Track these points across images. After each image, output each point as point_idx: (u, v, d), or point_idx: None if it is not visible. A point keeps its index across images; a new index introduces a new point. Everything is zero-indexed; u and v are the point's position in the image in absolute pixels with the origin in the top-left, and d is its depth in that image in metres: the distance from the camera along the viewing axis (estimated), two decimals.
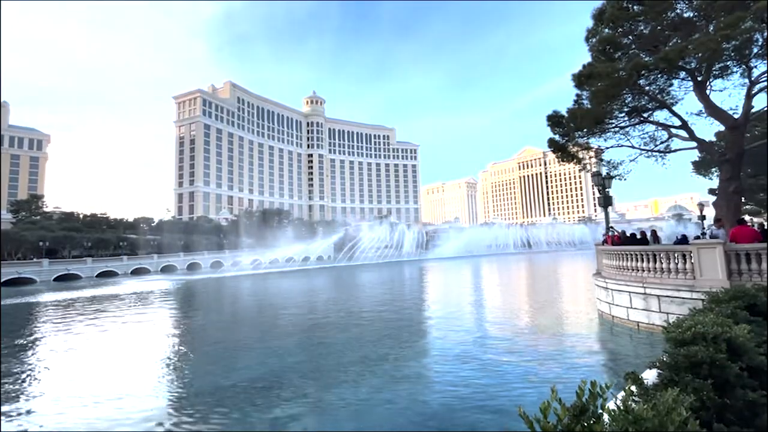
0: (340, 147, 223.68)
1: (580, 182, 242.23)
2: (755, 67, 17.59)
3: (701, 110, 19.69)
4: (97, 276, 71.35)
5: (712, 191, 36.66)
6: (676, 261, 14.02)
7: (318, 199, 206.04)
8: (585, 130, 20.92)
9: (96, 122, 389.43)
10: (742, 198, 24.33)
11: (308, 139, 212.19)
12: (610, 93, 18.57)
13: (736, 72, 18.28)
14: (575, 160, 23.14)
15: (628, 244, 17.48)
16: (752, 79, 17.66)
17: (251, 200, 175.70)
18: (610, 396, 2.22)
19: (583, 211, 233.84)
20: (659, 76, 18.37)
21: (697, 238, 16.20)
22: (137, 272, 77.75)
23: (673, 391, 2.22)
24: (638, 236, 18.44)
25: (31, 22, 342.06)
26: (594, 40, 19.86)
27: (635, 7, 18.54)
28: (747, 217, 31.33)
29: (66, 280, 65.61)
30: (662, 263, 14.46)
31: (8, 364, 14.60)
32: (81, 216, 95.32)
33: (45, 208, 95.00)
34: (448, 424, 8.33)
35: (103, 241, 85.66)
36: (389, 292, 34.10)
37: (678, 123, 19.77)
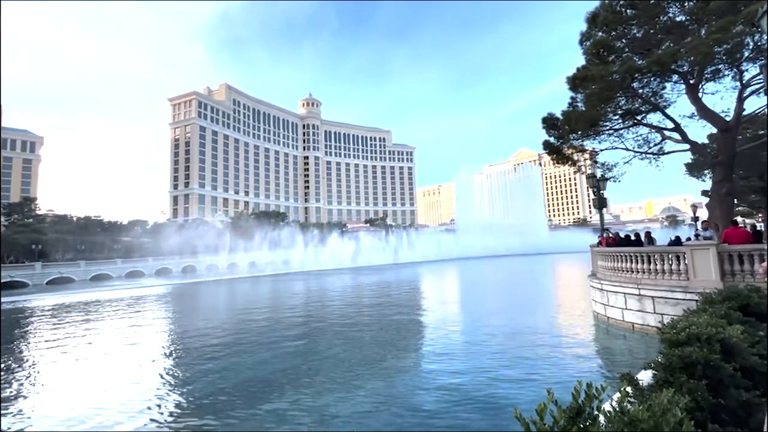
0: (336, 149, 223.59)
1: (575, 184, 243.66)
2: (746, 70, 17.80)
3: (694, 113, 19.92)
4: (90, 279, 70.64)
5: (705, 193, 37.03)
6: (670, 262, 14.13)
7: (314, 201, 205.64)
8: (579, 132, 21.07)
9: (91, 124, 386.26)
10: (735, 200, 24.58)
11: (304, 141, 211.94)
12: (603, 96, 18.73)
13: (728, 75, 18.48)
14: (570, 162, 23.28)
15: (623, 246, 17.60)
16: (743, 82, 17.87)
17: (247, 202, 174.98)
18: (606, 397, 2.22)
19: (578, 213, 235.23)
20: (652, 79, 18.54)
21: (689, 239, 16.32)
22: (132, 275, 77.10)
23: (668, 391, 2.23)
24: (632, 238, 18.59)
25: (25, 22, 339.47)
26: (588, 43, 20.03)
27: (628, 11, 18.73)
28: (739, 219, 31.67)
29: (59, 283, 64.92)
30: (656, 264, 14.57)
31: (6, 365, 14.41)
32: (74, 218, 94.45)
33: (38, 210, 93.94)
34: (444, 425, 8.31)
35: (96, 243, 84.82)
36: (383, 294, 34.05)
37: (671, 125, 19.98)
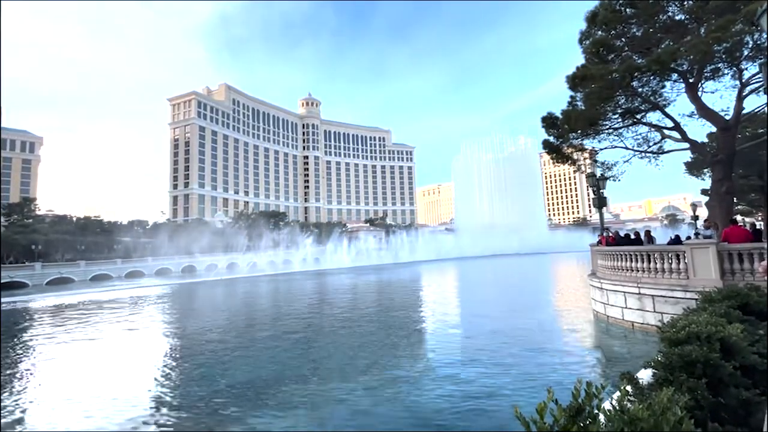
0: (335, 149, 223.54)
1: (575, 183, 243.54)
2: (746, 69, 17.80)
3: (693, 112, 19.91)
4: (90, 279, 70.62)
5: (704, 192, 37.06)
6: (670, 261, 14.13)
7: (314, 201, 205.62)
8: (579, 131, 21.07)
9: (90, 124, 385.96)
10: (734, 198, 24.58)
11: (304, 140, 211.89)
12: (603, 95, 18.73)
13: (727, 74, 18.48)
14: (570, 162, 23.28)
15: (623, 245, 17.60)
16: (743, 80, 17.87)
17: (246, 202, 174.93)
18: (606, 396, 2.23)
19: (578, 212, 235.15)
20: (652, 78, 18.54)
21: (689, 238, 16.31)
22: (131, 275, 77.08)
23: (668, 390, 2.23)
24: (632, 236, 18.58)
25: (25, 22, 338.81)
26: (587, 42, 20.03)
27: (628, 10, 18.73)
28: (739, 218, 31.69)
29: (59, 283, 64.91)
30: (656, 263, 14.56)
31: (6, 366, 14.42)
32: (74, 219, 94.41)
33: (37, 211, 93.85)
34: (444, 424, 8.32)
35: (96, 244, 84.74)
36: (382, 295, 34.07)
37: (671, 124, 19.98)
